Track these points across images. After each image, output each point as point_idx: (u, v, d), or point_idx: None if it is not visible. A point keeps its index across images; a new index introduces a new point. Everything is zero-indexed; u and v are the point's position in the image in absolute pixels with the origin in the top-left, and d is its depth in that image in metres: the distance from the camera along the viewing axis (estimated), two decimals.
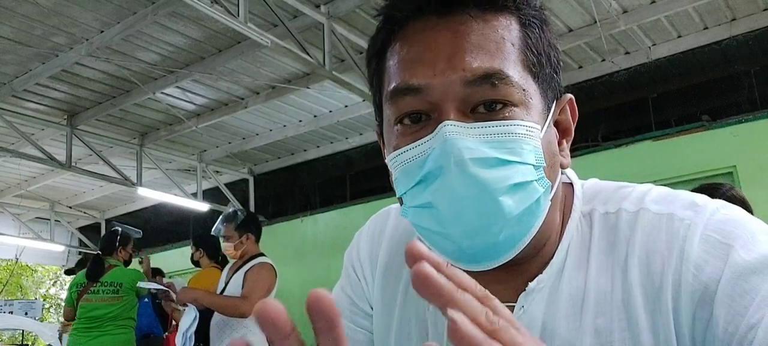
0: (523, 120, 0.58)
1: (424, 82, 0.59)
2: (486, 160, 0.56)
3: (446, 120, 0.57)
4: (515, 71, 0.59)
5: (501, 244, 0.59)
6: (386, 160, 0.65)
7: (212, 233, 3.98)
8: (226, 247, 3.80)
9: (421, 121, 0.60)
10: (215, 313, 3.63)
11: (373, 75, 0.68)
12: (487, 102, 0.58)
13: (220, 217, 3.93)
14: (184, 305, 3.74)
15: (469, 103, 0.58)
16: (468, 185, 0.56)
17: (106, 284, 4.48)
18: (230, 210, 3.98)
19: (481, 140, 0.57)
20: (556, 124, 0.66)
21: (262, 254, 3.84)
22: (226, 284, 3.72)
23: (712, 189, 2.23)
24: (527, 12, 0.63)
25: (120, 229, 4.88)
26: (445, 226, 0.58)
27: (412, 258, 0.34)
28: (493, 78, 0.58)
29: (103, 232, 11.10)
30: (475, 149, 0.56)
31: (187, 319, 3.69)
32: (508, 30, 0.61)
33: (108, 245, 4.72)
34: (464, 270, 0.61)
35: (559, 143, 0.66)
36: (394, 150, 0.61)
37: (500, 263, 0.61)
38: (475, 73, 0.57)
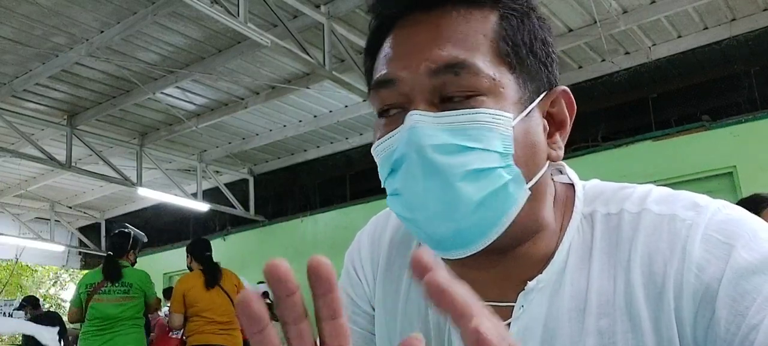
0: (489, 108, 0.59)
1: (396, 74, 0.62)
2: (445, 146, 0.58)
3: (413, 110, 0.59)
4: (483, 61, 0.60)
5: (467, 231, 0.60)
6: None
7: None
8: None
9: (398, 113, 0.63)
10: None
11: (367, 72, 0.70)
12: (452, 91, 0.60)
13: None
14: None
15: (436, 93, 0.60)
16: (426, 171, 0.58)
17: (117, 284, 4.46)
18: None
19: (444, 128, 0.58)
20: (550, 116, 0.66)
21: None
22: None
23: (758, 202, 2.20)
24: (507, 4, 0.64)
25: (131, 232, 4.83)
26: (412, 212, 0.61)
27: (419, 269, 0.35)
28: (455, 67, 0.59)
29: (103, 232, 11.10)
30: (434, 136, 0.58)
31: None
32: (482, 22, 0.62)
33: (120, 248, 4.69)
34: (446, 260, 0.62)
35: (551, 136, 0.66)
36: (376, 142, 0.65)
37: (472, 251, 0.61)
38: (438, 63, 0.59)
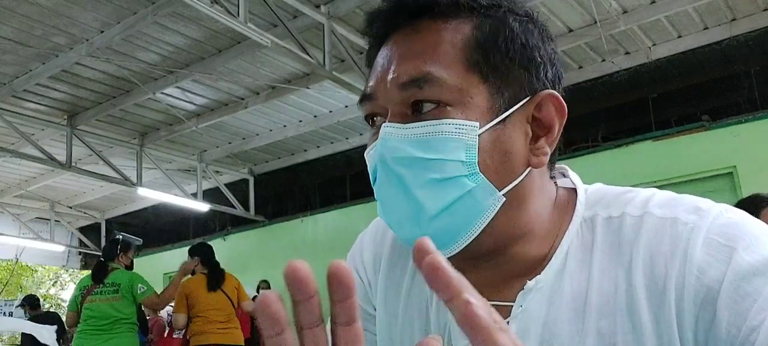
0: (454, 118, 0.60)
1: (374, 89, 0.66)
2: (406, 158, 0.61)
3: (386, 122, 0.63)
4: (449, 72, 0.61)
5: (434, 236, 0.60)
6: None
7: None
8: None
9: (381, 121, 0.66)
10: None
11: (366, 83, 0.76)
12: (419, 103, 0.62)
13: None
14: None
15: (407, 105, 0.63)
16: (391, 182, 0.63)
17: (107, 284, 4.68)
18: None
19: (409, 139, 0.61)
20: (536, 121, 0.65)
21: None
22: None
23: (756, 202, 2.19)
24: (482, 13, 0.64)
25: (121, 236, 5.10)
26: (387, 216, 0.66)
27: (420, 253, 0.35)
28: (419, 81, 0.61)
29: (103, 232, 11.12)
30: (399, 148, 0.61)
31: None
32: (454, 33, 0.63)
33: (110, 252, 4.93)
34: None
35: (536, 141, 0.65)
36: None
37: (445, 255, 0.62)
38: (405, 77, 0.62)
